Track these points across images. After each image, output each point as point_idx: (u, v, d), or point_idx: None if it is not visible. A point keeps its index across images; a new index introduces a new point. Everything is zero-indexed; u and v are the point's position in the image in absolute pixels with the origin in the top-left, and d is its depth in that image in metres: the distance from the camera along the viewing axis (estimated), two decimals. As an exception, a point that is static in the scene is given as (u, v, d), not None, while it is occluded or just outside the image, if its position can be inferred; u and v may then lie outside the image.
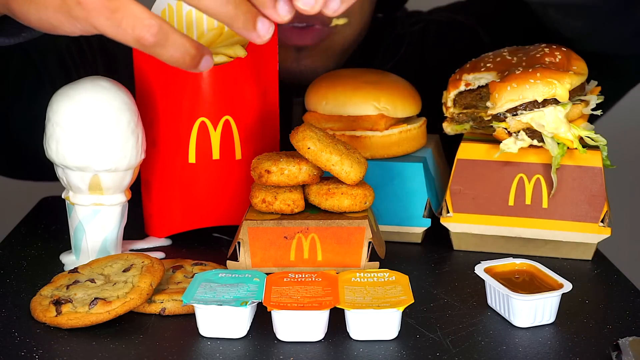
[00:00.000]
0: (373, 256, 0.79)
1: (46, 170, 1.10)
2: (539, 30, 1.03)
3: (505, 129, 0.83)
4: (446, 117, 0.91)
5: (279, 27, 1.02)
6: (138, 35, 0.61)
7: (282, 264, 0.79)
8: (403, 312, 0.67)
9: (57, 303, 0.70)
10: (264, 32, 0.65)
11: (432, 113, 0.98)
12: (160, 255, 0.85)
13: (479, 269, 0.74)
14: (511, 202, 0.85)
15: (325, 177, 0.81)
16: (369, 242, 0.77)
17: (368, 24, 1.12)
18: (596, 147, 0.84)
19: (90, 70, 1.09)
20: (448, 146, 1.01)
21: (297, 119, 1.12)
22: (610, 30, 0.92)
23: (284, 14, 0.64)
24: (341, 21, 1.05)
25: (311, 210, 0.80)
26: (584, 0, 0.84)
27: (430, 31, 1.19)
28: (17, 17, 0.66)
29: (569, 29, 0.93)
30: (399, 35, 1.18)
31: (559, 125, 0.81)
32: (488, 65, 0.88)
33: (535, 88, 0.81)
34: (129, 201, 0.83)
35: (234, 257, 0.80)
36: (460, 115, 0.90)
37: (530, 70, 0.82)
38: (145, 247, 0.88)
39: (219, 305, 0.67)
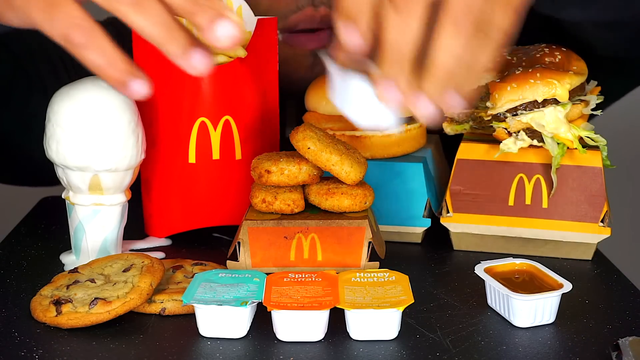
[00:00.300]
0: (373, 256, 0.79)
1: (40, 176, 1.09)
2: (534, 28, 1.03)
3: (505, 129, 0.83)
4: (446, 117, 0.91)
5: (293, 35, 1.03)
6: (66, 32, 0.61)
7: (282, 263, 0.79)
8: (403, 312, 0.67)
9: (57, 303, 0.70)
10: (197, 63, 0.61)
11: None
12: (160, 255, 0.85)
13: (479, 269, 0.74)
14: (511, 202, 0.85)
15: (326, 177, 0.81)
16: (369, 242, 0.77)
17: None
18: (596, 147, 0.84)
19: (82, 73, 1.09)
20: (448, 146, 1.01)
21: (291, 119, 1.12)
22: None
23: (221, 36, 0.60)
24: None
25: (311, 210, 0.80)
26: (622, 19, 0.82)
27: None
28: None
29: (600, 41, 0.91)
30: None
31: (559, 125, 0.81)
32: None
33: (535, 88, 0.81)
34: (129, 201, 0.83)
35: (234, 257, 0.80)
36: (460, 115, 0.89)
37: (530, 71, 0.82)
38: (145, 247, 0.88)
39: (219, 305, 0.67)
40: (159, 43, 0.61)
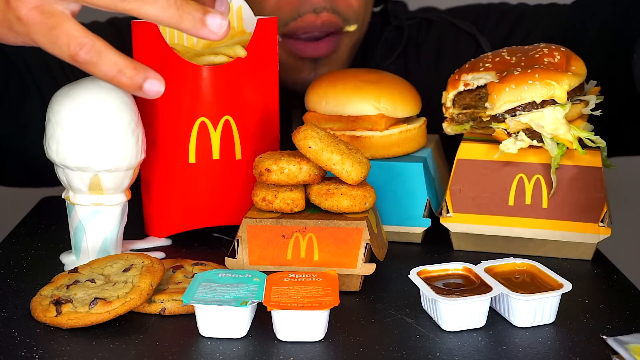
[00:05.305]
0: (373, 257, 0.79)
1: (39, 178, 1.09)
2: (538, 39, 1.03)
3: (505, 129, 0.83)
4: (446, 117, 0.91)
5: (291, 40, 1.03)
6: (72, 52, 0.63)
7: (278, 262, 0.78)
8: (403, 312, 0.67)
9: (57, 303, 0.70)
10: (215, 27, 0.64)
11: (432, 113, 0.98)
12: (160, 255, 0.85)
13: (479, 269, 0.74)
14: (511, 202, 0.85)
15: (328, 177, 0.81)
16: (367, 244, 0.77)
17: (368, 21, 1.13)
18: (596, 147, 0.84)
19: (80, 74, 1.08)
20: (448, 146, 1.01)
21: (297, 122, 1.12)
22: None
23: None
24: (352, 28, 1.06)
25: (312, 210, 0.80)
26: None
27: (425, 29, 1.18)
28: None
29: None
30: (395, 28, 1.18)
31: (559, 126, 0.81)
32: (487, 65, 0.88)
33: (534, 89, 0.81)
34: (129, 201, 0.83)
35: (233, 255, 0.80)
36: (460, 115, 0.89)
37: (528, 71, 0.82)
38: (145, 247, 0.88)
39: (219, 305, 0.67)
40: (175, 24, 0.63)
